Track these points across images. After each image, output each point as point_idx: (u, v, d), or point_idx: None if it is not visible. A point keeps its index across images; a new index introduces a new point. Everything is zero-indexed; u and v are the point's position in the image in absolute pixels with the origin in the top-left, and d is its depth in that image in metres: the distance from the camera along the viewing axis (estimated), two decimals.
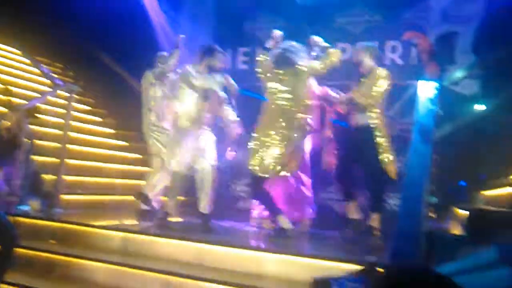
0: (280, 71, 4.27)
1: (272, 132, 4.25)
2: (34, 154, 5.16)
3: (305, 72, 4.23)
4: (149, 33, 7.53)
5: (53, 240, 4.09)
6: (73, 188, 5.30)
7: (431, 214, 4.73)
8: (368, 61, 4.16)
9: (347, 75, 5.03)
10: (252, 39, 7.05)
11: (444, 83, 4.45)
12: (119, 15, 7.67)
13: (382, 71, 4.11)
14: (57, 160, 5.09)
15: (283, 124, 4.24)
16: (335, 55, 4.20)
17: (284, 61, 4.25)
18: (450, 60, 4.91)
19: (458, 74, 5.02)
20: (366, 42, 5.97)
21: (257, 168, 4.24)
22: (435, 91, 3.58)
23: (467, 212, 3.72)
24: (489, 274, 2.35)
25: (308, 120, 4.39)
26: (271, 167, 4.21)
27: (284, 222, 4.23)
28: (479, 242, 3.25)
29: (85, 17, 7.85)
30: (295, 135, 4.25)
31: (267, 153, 4.21)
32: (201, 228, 4.33)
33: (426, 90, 3.58)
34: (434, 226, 4.51)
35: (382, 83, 4.05)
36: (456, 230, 4.14)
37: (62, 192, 4.95)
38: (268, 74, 4.33)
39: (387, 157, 3.99)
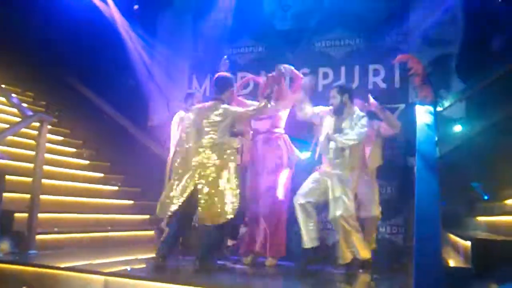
0: None
1: None
2: (4, 191, 4.79)
3: None
4: (126, 60, 7.33)
5: (26, 287, 3.73)
6: (48, 226, 4.93)
7: None
8: None
9: None
10: (233, 65, 6.90)
11: (439, 108, 4.38)
12: (93, 41, 7.47)
13: None
14: (29, 196, 4.71)
15: None
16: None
17: None
18: (446, 84, 4.85)
19: (452, 98, 4.97)
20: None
21: None
22: (433, 116, 3.46)
23: (468, 242, 3.57)
24: None
25: None
26: None
27: None
28: (487, 276, 3.11)
29: (59, 44, 7.61)
30: None
31: None
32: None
33: (423, 115, 3.45)
34: None
35: None
36: (455, 260, 3.98)
37: (36, 231, 4.59)
38: None
39: None
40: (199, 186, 4.09)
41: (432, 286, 2.16)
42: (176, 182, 4.20)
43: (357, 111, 4.31)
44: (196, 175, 4.13)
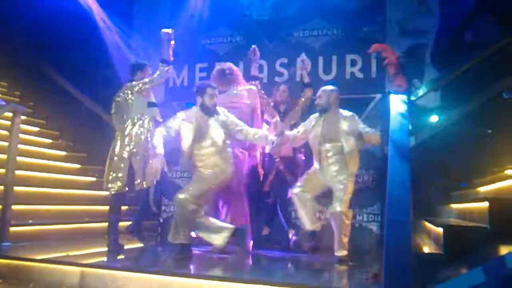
0: None
1: None
2: None
3: None
4: (102, 50, 7.22)
5: (0, 280, 3.69)
6: (22, 218, 4.87)
7: None
8: None
9: None
10: (210, 54, 6.88)
11: (412, 97, 4.43)
12: (69, 30, 7.33)
13: None
14: (2, 188, 4.64)
15: None
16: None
17: None
18: (419, 74, 4.91)
19: (425, 87, 5.03)
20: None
21: None
22: (406, 105, 3.51)
23: (441, 228, 3.65)
24: None
25: None
26: None
27: None
28: (458, 261, 3.19)
29: (34, 32, 7.45)
30: None
31: None
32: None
33: (397, 105, 3.49)
34: None
35: None
36: (429, 246, 4.07)
37: (10, 223, 4.52)
38: None
39: None
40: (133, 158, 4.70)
41: (401, 271, 2.20)
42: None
43: None
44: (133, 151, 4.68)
